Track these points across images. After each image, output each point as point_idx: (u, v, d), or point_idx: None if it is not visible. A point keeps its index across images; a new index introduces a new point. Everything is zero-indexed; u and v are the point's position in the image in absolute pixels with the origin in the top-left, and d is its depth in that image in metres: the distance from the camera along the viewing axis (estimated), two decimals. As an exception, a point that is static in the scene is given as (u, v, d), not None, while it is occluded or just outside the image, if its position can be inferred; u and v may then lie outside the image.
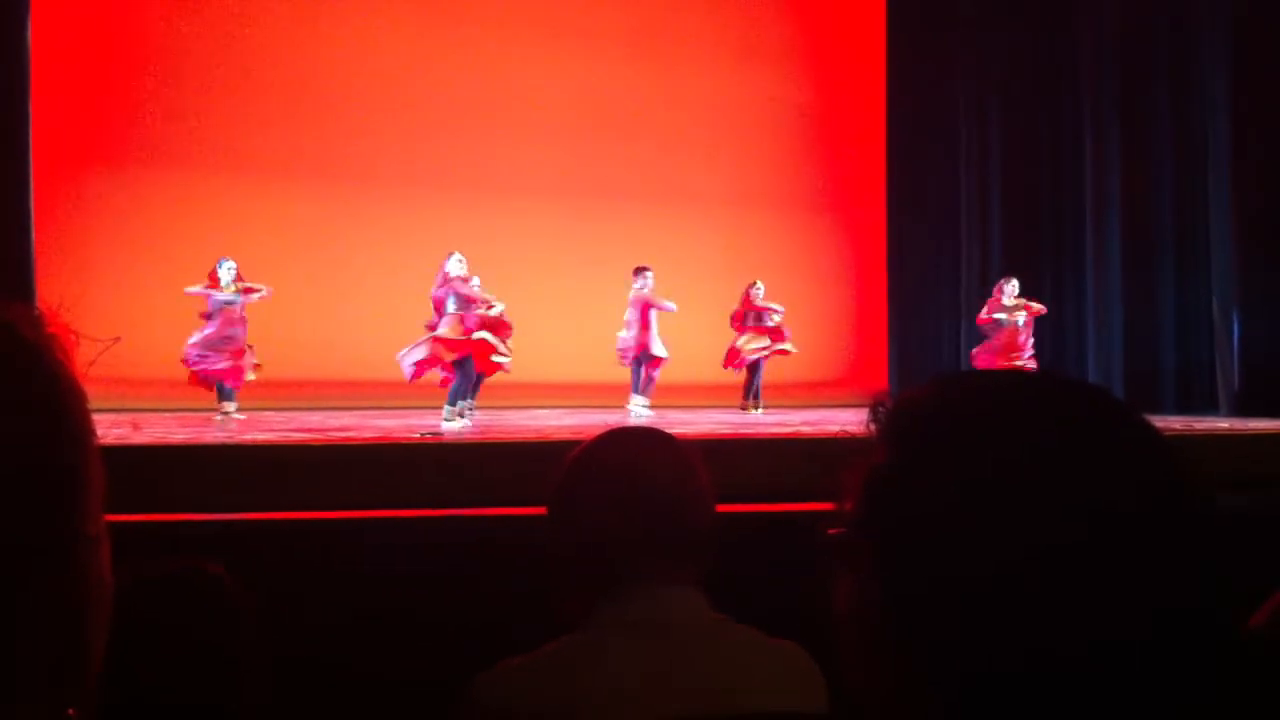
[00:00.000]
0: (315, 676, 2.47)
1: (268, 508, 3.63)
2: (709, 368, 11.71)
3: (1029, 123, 13.16)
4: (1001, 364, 10.70)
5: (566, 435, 6.96)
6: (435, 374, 9.48)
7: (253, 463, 5.56)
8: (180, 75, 12.03)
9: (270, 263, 10.88)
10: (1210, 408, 10.77)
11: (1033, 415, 0.71)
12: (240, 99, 12.21)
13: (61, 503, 0.62)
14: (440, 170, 12.88)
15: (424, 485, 5.04)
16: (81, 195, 11.55)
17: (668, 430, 1.71)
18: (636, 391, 10.74)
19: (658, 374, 10.88)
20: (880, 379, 13.99)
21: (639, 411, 10.40)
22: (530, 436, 7.51)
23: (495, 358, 9.57)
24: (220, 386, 9.62)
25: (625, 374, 10.96)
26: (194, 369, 9.56)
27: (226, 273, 9.67)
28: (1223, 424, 9.17)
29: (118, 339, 0.74)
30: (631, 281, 10.85)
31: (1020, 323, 10.88)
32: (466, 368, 9.39)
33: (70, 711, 0.64)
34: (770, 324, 11.67)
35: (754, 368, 11.67)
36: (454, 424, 8.68)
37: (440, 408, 9.15)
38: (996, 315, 10.94)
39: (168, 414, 9.76)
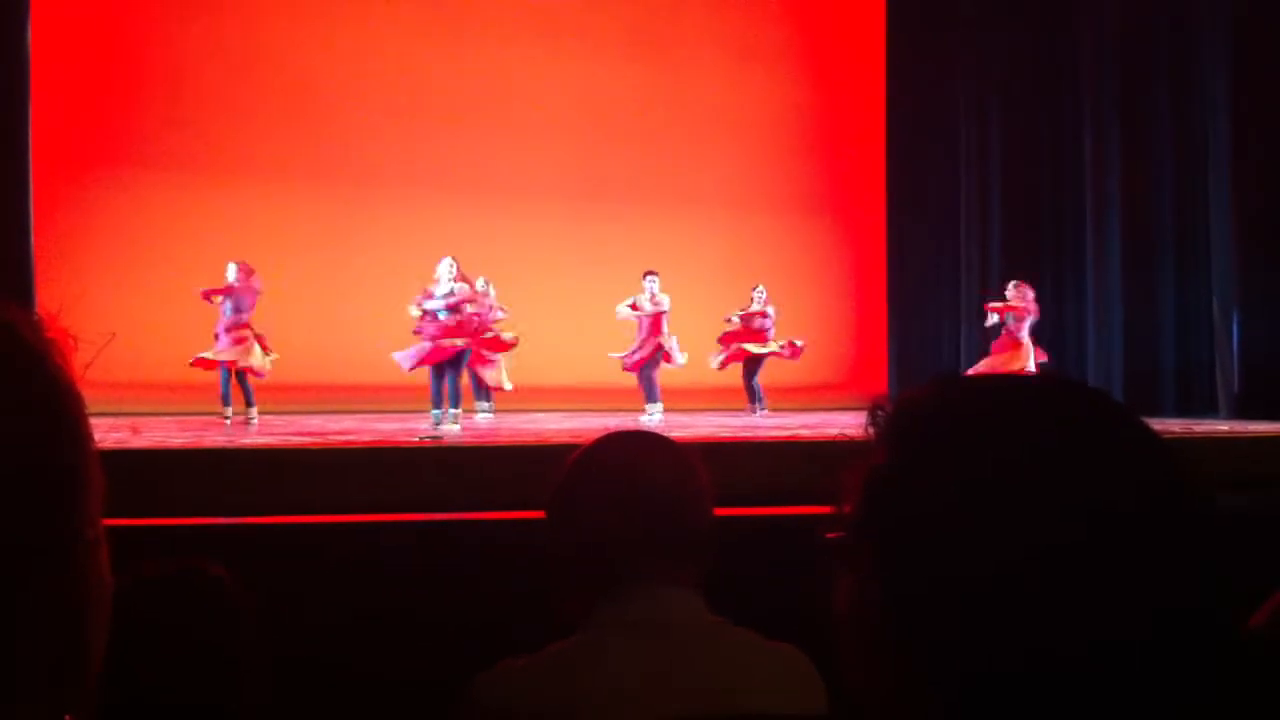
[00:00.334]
0: (315, 677, 2.47)
1: (267, 511, 3.63)
2: (708, 370, 11.70)
3: (1029, 123, 13.16)
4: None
5: (566, 439, 6.96)
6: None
7: (252, 466, 5.56)
8: (180, 78, 12.03)
9: (270, 265, 10.87)
10: (1210, 410, 10.75)
11: (1032, 416, 0.71)
12: (239, 102, 12.21)
13: (60, 505, 0.63)
14: (440, 173, 12.89)
15: (423, 488, 5.04)
16: (81, 198, 11.55)
17: (667, 432, 1.72)
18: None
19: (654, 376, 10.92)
20: (880, 381, 13.99)
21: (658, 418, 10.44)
22: (530, 440, 7.51)
23: (488, 372, 9.67)
24: (244, 388, 9.65)
25: (623, 377, 10.98)
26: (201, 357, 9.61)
27: (233, 275, 9.71)
28: (1222, 426, 9.17)
29: (113, 336, 0.74)
30: (650, 287, 10.85)
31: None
32: (457, 367, 9.41)
33: (67, 717, 0.64)
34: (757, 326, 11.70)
35: (749, 369, 11.68)
36: (451, 427, 8.67)
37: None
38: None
39: (167, 418, 9.76)
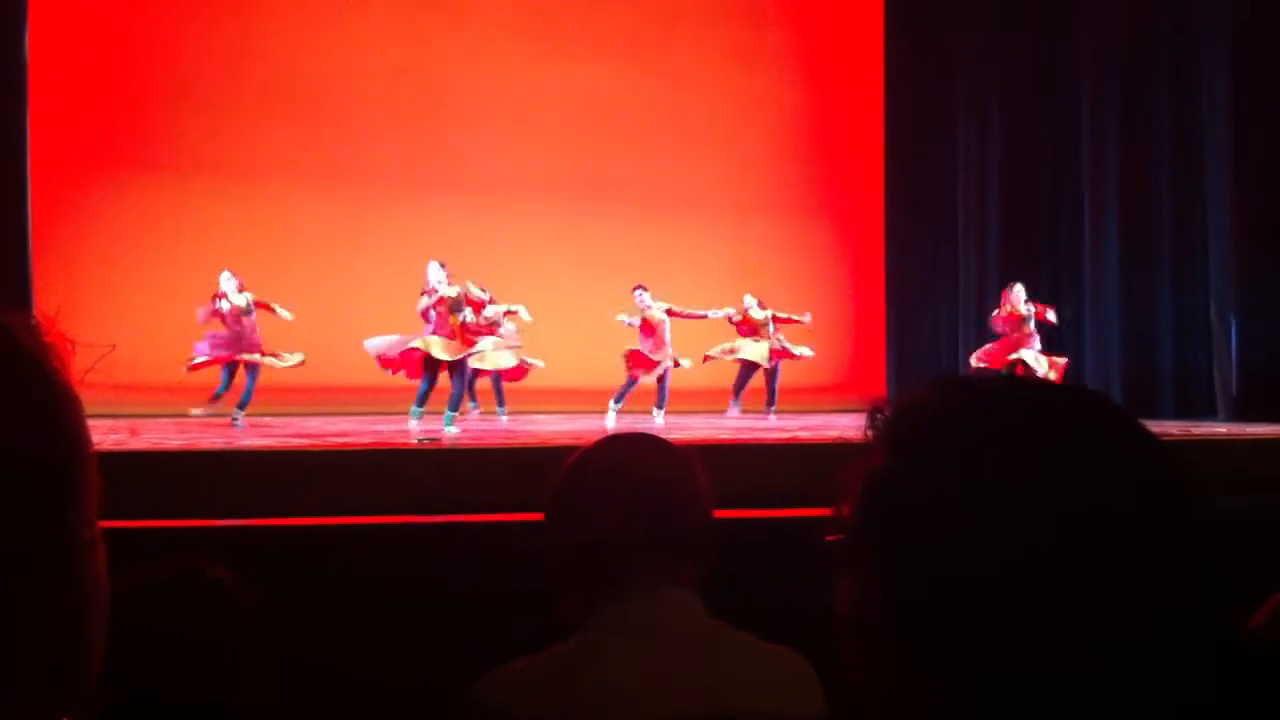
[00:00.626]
0: (315, 677, 2.47)
1: (265, 513, 3.63)
2: (706, 372, 11.71)
3: (1028, 124, 13.16)
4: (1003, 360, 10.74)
5: (565, 440, 6.96)
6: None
7: (251, 468, 5.56)
8: (179, 81, 12.03)
9: (268, 267, 10.90)
10: (1208, 412, 10.75)
11: (1032, 416, 0.72)
12: (238, 103, 12.22)
13: (58, 506, 0.63)
14: (440, 175, 12.89)
15: (422, 490, 5.04)
16: (80, 200, 11.55)
17: (665, 434, 1.72)
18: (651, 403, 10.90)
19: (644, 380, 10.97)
20: (878, 383, 14.00)
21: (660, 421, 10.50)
22: (529, 441, 7.51)
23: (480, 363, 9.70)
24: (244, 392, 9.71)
25: (622, 379, 10.99)
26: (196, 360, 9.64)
27: (226, 282, 9.72)
28: (1221, 428, 9.17)
29: (113, 348, 0.74)
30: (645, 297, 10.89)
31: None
32: (461, 373, 9.42)
33: (64, 719, 0.64)
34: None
35: (745, 370, 11.71)
36: (454, 429, 8.67)
37: (440, 413, 9.15)
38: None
39: (165, 419, 9.76)
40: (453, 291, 9.42)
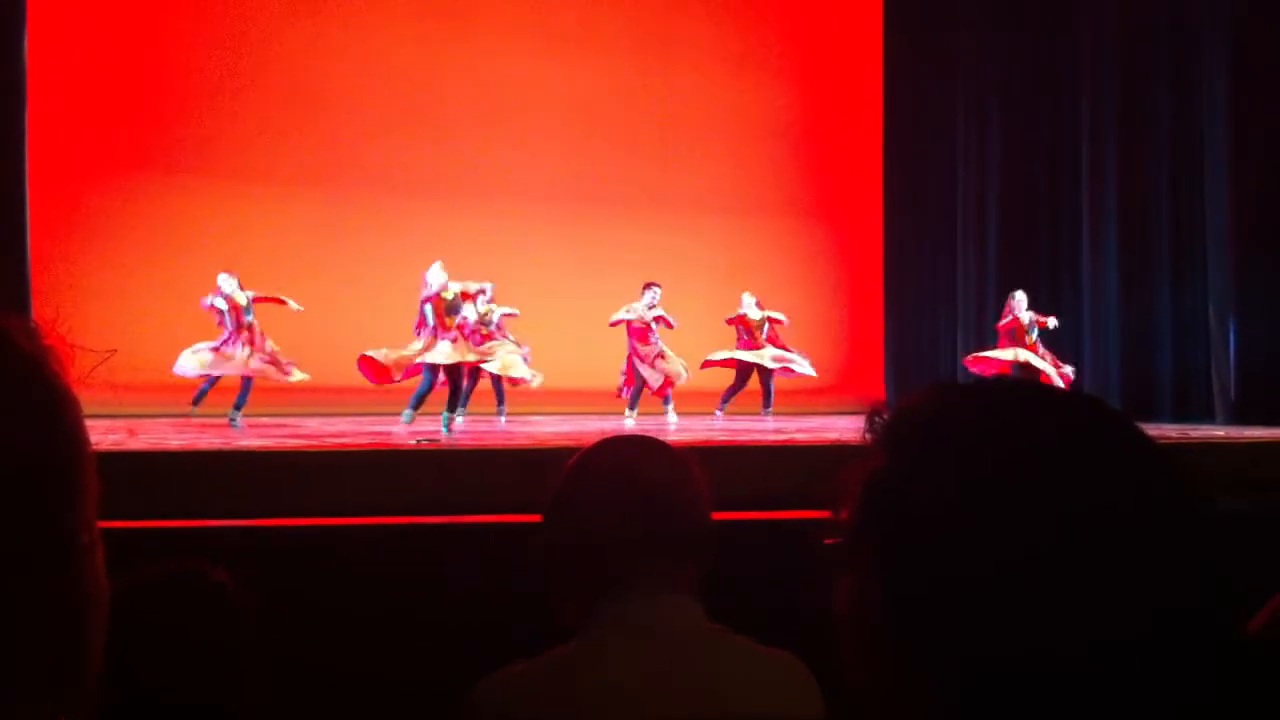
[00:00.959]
0: (314, 679, 2.46)
1: (263, 514, 3.62)
2: (705, 374, 11.70)
3: (1027, 125, 13.17)
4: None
5: (564, 442, 6.96)
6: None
7: (248, 468, 5.56)
8: (179, 83, 12.04)
9: (267, 268, 10.89)
10: (1207, 415, 10.75)
11: (1032, 417, 0.72)
12: (237, 105, 12.22)
13: (57, 508, 0.63)
14: (438, 177, 12.90)
15: (420, 491, 5.04)
16: (79, 200, 11.56)
17: (663, 436, 1.73)
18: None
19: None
20: (876, 385, 14.00)
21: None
22: (528, 443, 7.51)
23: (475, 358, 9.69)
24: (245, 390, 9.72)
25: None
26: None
27: (226, 283, 9.72)
28: (1219, 431, 9.17)
29: (113, 351, 0.74)
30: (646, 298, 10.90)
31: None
32: (461, 375, 9.42)
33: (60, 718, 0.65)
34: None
35: (741, 374, 11.72)
36: (450, 431, 8.66)
37: (437, 414, 9.15)
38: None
39: (164, 420, 9.76)
40: (449, 293, 9.41)
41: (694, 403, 11.67)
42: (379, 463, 6.05)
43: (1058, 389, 0.77)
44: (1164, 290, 11.49)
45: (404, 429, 8.62)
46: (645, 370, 10.78)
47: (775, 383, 11.84)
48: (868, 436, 0.76)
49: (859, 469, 0.74)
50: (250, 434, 8.38)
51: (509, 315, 10.93)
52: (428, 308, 9.45)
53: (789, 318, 11.89)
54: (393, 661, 2.76)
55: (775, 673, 1.58)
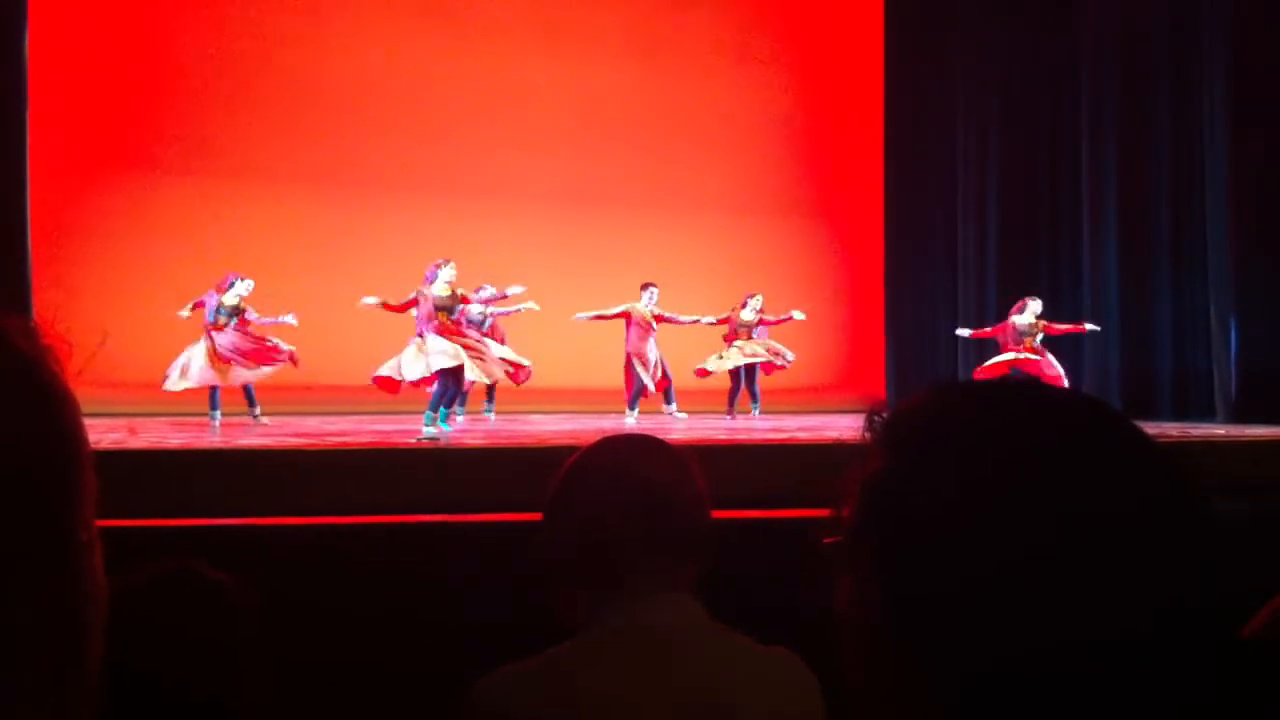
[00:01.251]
0: (314, 677, 2.46)
1: (263, 512, 3.63)
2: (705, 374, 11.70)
3: (1028, 125, 13.17)
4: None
5: (564, 440, 6.96)
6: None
7: (248, 467, 5.56)
8: (180, 82, 12.04)
9: (267, 266, 10.89)
10: (1207, 414, 10.75)
11: (1032, 417, 0.72)
12: (237, 104, 12.22)
13: (55, 507, 0.63)
14: (438, 176, 12.89)
15: (421, 490, 5.04)
16: (79, 200, 11.56)
17: (663, 435, 1.73)
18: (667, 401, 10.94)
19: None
20: (877, 384, 14.00)
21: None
22: (528, 442, 7.51)
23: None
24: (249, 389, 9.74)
25: (620, 379, 10.99)
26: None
27: (243, 288, 9.76)
28: (1219, 430, 9.17)
29: (103, 340, 0.74)
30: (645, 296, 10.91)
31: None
32: (456, 377, 9.38)
33: None
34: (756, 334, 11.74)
35: (735, 375, 11.72)
36: (433, 430, 8.54)
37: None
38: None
39: (164, 418, 9.76)
40: (445, 292, 9.38)
41: (699, 402, 11.68)
42: (379, 461, 6.06)
43: (1058, 389, 0.77)
44: (1164, 289, 11.49)
45: (434, 433, 8.52)
46: (639, 370, 10.78)
47: (778, 379, 11.85)
48: (867, 436, 0.76)
49: (858, 469, 0.74)
50: (251, 432, 8.38)
51: (501, 299, 10.79)
52: (429, 306, 9.41)
53: (779, 317, 11.88)
54: (393, 660, 2.76)
55: (776, 671, 1.58)
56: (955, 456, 0.70)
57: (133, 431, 7.73)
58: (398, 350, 9.51)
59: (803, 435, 8.17)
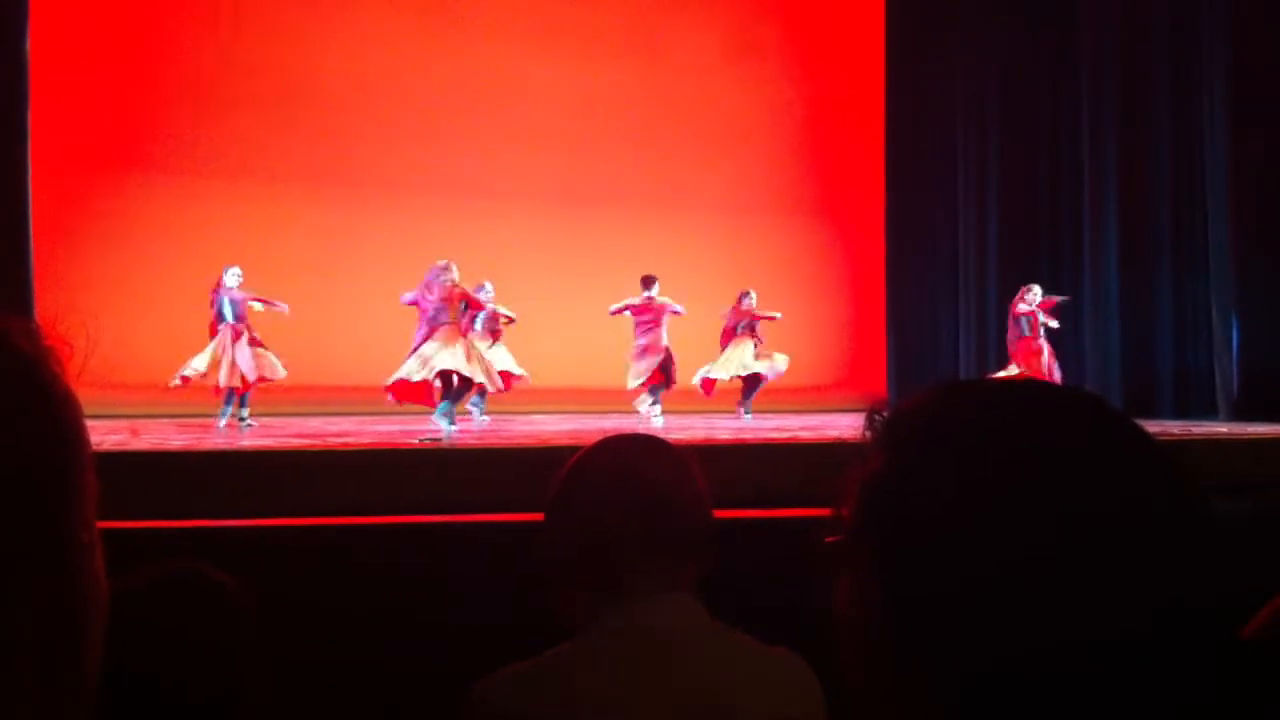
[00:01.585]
0: (315, 678, 2.46)
1: (265, 513, 3.63)
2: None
3: (1028, 124, 13.17)
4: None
5: (565, 440, 6.96)
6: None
7: (250, 468, 5.56)
8: (180, 82, 12.04)
9: (268, 266, 10.89)
10: (1209, 412, 10.75)
11: (1032, 417, 0.72)
12: (237, 104, 12.22)
13: (56, 509, 0.63)
14: (437, 176, 12.89)
15: (422, 490, 5.04)
16: (80, 200, 11.56)
17: (664, 435, 1.73)
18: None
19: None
20: (878, 383, 13.99)
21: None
22: (529, 442, 7.51)
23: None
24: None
25: (620, 379, 10.98)
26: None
27: (233, 279, 9.72)
28: (1221, 428, 9.17)
29: (97, 338, 0.74)
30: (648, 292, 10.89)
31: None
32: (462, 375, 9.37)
33: None
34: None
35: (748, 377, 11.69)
36: (447, 428, 8.58)
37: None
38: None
39: (166, 420, 9.77)
40: (446, 294, 9.37)
41: (699, 402, 11.68)
42: (380, 462, 6.05)
43: (1058, 388, 0.77)
44: (1165, 288, 11.49)
45: (449, 433, 8.50)
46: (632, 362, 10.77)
47: (778, 380, 11.83)
48: (867, 435, 0.76)
49: (859, 469, 0.74)
50: (252, 433, 8.38)
51: (509, 320, 10.86)
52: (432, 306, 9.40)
53: (788, 316, 11.86)
54: (393, 661, 2.76)
55: (776, 671, 1.58)
56: (956, 456, 0.70)
57: (135, 433, 7.74)
58: (397, 350, 9.52)
59: (804, 434, 8.17)
